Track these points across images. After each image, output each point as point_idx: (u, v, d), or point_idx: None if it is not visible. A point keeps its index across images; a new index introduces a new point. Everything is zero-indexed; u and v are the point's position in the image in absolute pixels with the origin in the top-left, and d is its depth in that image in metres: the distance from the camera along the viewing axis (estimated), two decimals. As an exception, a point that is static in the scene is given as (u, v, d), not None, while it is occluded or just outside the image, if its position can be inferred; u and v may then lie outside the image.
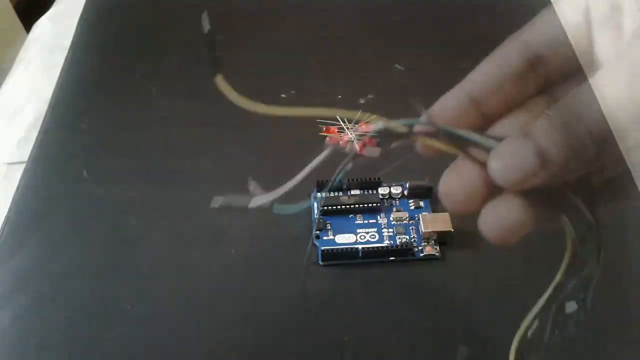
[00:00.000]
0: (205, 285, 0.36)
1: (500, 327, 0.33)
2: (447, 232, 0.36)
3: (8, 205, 0.40)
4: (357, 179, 0.39)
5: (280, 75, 0.48)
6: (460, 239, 0.37)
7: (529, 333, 0.23)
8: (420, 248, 0.36)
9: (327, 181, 0.39)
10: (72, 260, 0.37)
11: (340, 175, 0.23)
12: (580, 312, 0.22)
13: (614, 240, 0.37)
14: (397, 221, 0.38)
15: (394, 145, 0.21)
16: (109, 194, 0.40)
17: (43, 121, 0.46)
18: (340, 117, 0.45)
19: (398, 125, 0.21)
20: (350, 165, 0.24)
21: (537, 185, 0.19)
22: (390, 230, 0.37)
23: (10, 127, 0.49)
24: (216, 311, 0.34)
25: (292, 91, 0.46)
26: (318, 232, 0.37)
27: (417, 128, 0.21)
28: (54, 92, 0.48)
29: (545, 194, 0.19)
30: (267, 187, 0.42)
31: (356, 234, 0.37)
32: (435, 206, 0.39)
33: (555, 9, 0.21)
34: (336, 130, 0.46)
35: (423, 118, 0.21)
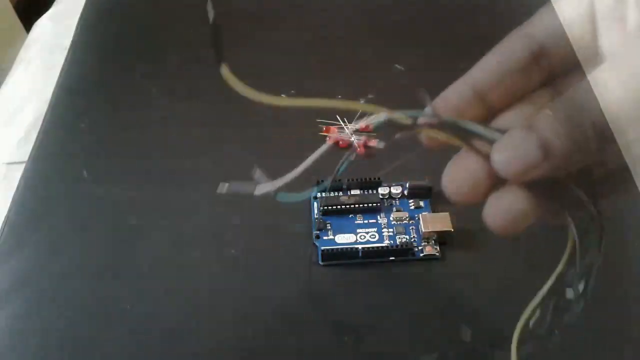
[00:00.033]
0: (205, 285, 0.36)
1: (500, 327, 0.33)
2: (447, 232, 0.36)
3: (8, 205, 0.40)
4: (357, 179, 0.39)
5: (280, 75, 0.48)
6: (460, 239, 0.37)
7: (531, 323, 0.23)
8: (420, 248, 0.36)
9: (330, 180, 0.39)
10: (72, 260, 0.37)
11: (344, 166, 0.23)
12: (581, 301, 0.22)
13: (614, 240, 0.37)
14: (397, 221, 0.38)
15: (397, 136, 0.21)
16: (109, 194, 0.40)
17: (43, 121, 0.46)
18: (340, 118, 0.45)
19: (402, 116, 0.21)
20: (354, 156, 0.24)
21: (539, 177, 0.19)
22: (390, 230, 0.37)
23: (10, 127, 0.49)
24: (216, 311, 0.34)
25: (292, 91, 0.46)
26: (318, 232, 0.37)
27: (421, 120, 0.21)
28: (54, 92, 0.48)
29: (547, 186, 0.19)
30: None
31: (356, 233, 0.37)
32: (435, 206, 0.39)
33: (558, 4, 0.21)
34: (336, 129, 0.46)
35: (427, 110, 0.21)
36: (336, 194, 0.39)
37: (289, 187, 0.24)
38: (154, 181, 0.41)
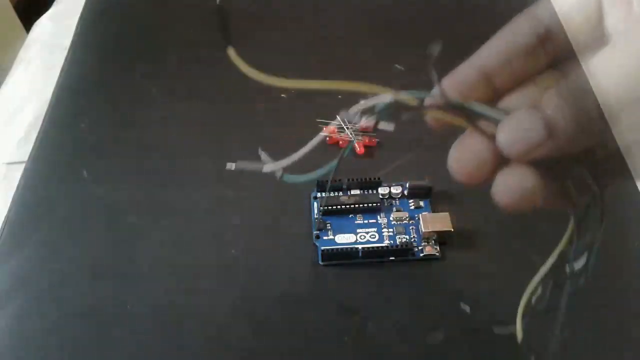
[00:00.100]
0: (205, 285, 0.36)
1: (501, 334, 0.33)
2: (447, 232, 0.36)
3: (8, 205, 0.40)
4: (357, 179, 0.39)
5: (280, 75, 0.48)
6: (460, 239, 0.37)
7: (533, 299, 0.23)
8: (420, 248, 0.36)
9: (327, 181, 0.39)
10: (72, 260, 0.37)
11: (347, 152, 0.23)
12: (582, 277, 0.22)
13: (614, 239, 0.38)
14: (397, 221, 0.38)
15: (404, 117, 0.21)
16: (109, 194, 0.40)
17: (43, 121, 0.46)
18: (340, 118, 0.45)
19: (408, 97, 0.21)
20: (346, 152, 0.24)
21: (544, 156, 0.19)
22: (390, 230, 0.37)
23: (10, 127, 0.49)
24: (216, 311, 0.34)
25: (292, 91, 0.46)
26: (318, 232, 0.37)
27: (427, 101, 0.21)
28: (54, 92, 0.48)
29: (552, 165, 0.20)
30: (266, 186, 0.42)
31: (356, 234, 0.37)
32: (435, 206, 0.39)
33: None
34: (336, 129, 0.46)
35: (434, 91, 0.21)
36: (336, 194, 0.39)
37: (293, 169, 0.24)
38: (154, 181, 0.41)
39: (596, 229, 0.21)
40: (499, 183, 0.20)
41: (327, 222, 0.38)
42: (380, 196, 0.39)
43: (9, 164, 0.45)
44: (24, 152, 0.44)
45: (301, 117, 0.44)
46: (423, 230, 0.37)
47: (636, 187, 0.40)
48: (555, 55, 0.22)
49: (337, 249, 0.36)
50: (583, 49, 0.20)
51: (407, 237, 0.37)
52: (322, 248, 0.36)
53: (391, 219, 0.38)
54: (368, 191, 0.39)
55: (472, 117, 0.21)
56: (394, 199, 0.39)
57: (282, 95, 0.46)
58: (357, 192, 0.39)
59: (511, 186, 0.20)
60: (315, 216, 0.38)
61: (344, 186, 0.39)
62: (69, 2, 0.60)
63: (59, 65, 0.51)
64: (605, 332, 0.33)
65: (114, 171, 0.42)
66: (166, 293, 0.35)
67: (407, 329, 0.34)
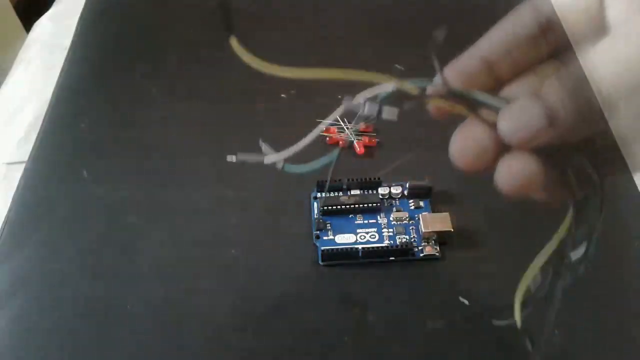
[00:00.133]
0: (205, 285, 0.36)
1: (500, 327, 0.33)
2: (447, 232, 0.36)
3: (8, 205, 0.40)
4: (357, 179, 0.39)
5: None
6: (460, 239, 0.37)
7: (532, 286, 0.23)
8: (420, 248, 0.36)
9: (326, 181, 0.39)
10: (72, 260, 0.37)
11: (329, 161, 0.23)
12: (581, 266, 0.22)
13: (613, 238, 0.38)
14: (397, 221, 0.38)
15: (406, 106, 0.21)
16: (109, 194, 0.40)
17: (43, 121, 0.46)
18: (339, 118, 0.45)
19: (410, 86, 0.21)
20: (338, 151, 0.24)
21: (544, 144, 0.19)
22: (390, 230, 0.37)
23: (10, 127, 0.49)
24: (216, 311, 0.34)
25: (292, 91, 0.46)
26: (318, 232, 0.37)
27: (429, 89, 0.21)
28: (54, 92, 0.48)
29: (552, 153, 0.20)
30: (266, 186, 0.42)
31: (356, 234, 0.37)
32: (435, 206, 0.39)
33: None
34: (336, 130, 0.46)
35: (436, 79, 0.21)
36: (336, 194, 0.39)
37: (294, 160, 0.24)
38: (154, 181, 0.41)
39: (595, 218, 0.21)
40: (501, 170, 0.21)
41: (327, 222, 0.38)
42: (380, 196, 0.39)
43: (9, 164, 0.45)
44: (24, 152, 0.44)
45: (301, 117, 0.44)
46: (423, 230, 0.37)
47: (636, 186, 0.40)
48: (557, 45, 0.22)
49: (337, 249, 0.36)
50: (583, 39, 0.20)
51: (407, 237, 0.37)
52: (322, 248, 0.36)
53: (391, 219, 0.38)
54: (368, 191, 0.39)
55: (473, 106, 0.21)
56: (394, 199, 0.39)
57: (282, 95, 0.46)
58: (357, 192, 0.39)
59: (513, 172, 0.20)
60: (315, 216, 0.38)
61: (344, 186, 0.39)
62: (69, 2, 0.60)
63: (59, 65, 0.51)
64: (605, 332, 0.33)
65: (114, 171, 0.42)
66: (166, 293, 0.35)
67: (407, 329, 0.34)
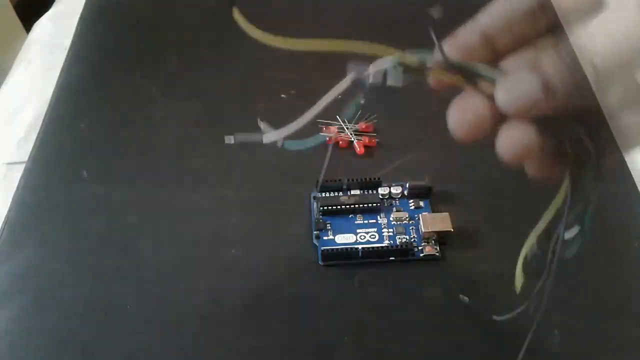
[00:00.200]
0: (205, 285, 0.36)
1: (500, 327, 0.33)
2: (447, 232, 0.36)
3: (8, 205, 0.40)
4: (357, 179, 0.39)
5: (280, 75, 0.48)
6: (460, 239, 0.37)
7: (529, 255, 0.24)
8: (420, 248, 0.36)
9: (327, 181, 0.39)
10: (72, 260, 0.37)
11: (355, 108, 0.23)
12: (579, 239, 0.22)
13: (614, 238, 0.38)
14: (397, 221, 0.38)
15: (405, 81, 0.22)
16: (109, 194, 0.40)
17: (43, 121, 0.46)
18: (339, 118, 0.45)
19: (412, 58, 0.22)
20: (331, 148, 0.24)
21: (541, 114, 0.20)
22: (390, 230, 0.37)
23: (10, 127, 0.49)
24: (216, 311, 0.34)
25: (292, 91, 0.46)
26: (318, 232, 0.37)
27: (429, 62, 0.22)
28: (54, 92, 0.48)
29: (550, 123, 0.20)
30: (266, 186, 0.42)
31: (356, 234, 0.37)
32: (435, 206, 0.39)
33: None
34: (336, 129, 0.46)
35: (436, 52, 0.22)
36: (336, 194, 0.39)
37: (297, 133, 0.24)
38: (154, 181, 0.41)
39: (591, 189, 0.22)
40: (501, 138, 0.21)
41: (327, 222, 0.38)
42: (380, 196, 0.39)
43: (9, 164, 0.46)
44: (24, 152, 0.44)
45: (301, 129, 0.44)
46: (423, 230, 0.37)
47: (636, 186, 0.40)
48: (556, 20, 0.22)
49: (337, 249, 0.36)
50: (578, 14, 0.21)
51: (407, 237, 0.37)
52: (322, 248, 0.36)
53: (391, 219, 0.38)
54: (368, 191, 0.39)
55: (470, 77, 0.22)
56: (394, 199, 0.39)
57: (282, 95, 0.46)
58: (357, 192, 0.39)
59: (512, 141, 0.21)
60: (315, 216, 0.38)
61: (344, 186, 0.39)
62: (69, 2, 0.60)
63: (59, 65, 0.51)
64: (605, 332, 0.33)
65: (114, 171, 0.42)
66: (166, 293, 0.35)
67: (407, 328, 0.34)
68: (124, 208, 0.40)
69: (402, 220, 0.38)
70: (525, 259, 0.24)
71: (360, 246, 0.36)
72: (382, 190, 0.39)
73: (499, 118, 0.21)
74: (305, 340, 0.33)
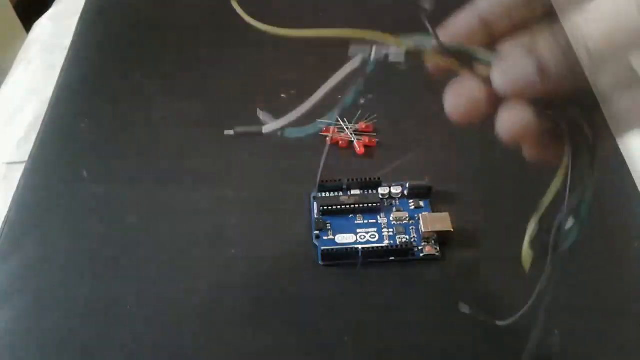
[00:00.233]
0: (205, 285, 0.36)
1: (500, 327, 0.33)
2: (447, 232, 0.36)
3: (8, 205, 0.40)
4: (357, 179, 0.39)
5: (280, 75, 0.48)
6: (460, 239, 0.37)
7: (528, 237, 0.24)
8: (420, 248, 0.36)
9: (327, 181, 0.39)
10: (72, 260, 0.37)
11: (355, 95, 0.24)
12: (577, 226, 0.22)
13: (614, 239, 0.38)
14: (397, 221, 0.38)
15: (403, 64, 0.22)
16: (109, 194, 0.40)
17: (43, 121, 0.46)
18: (339, 118, 0.45)
19: (408, 43, 0.22)
20: (328, 147, 0.24)
21: (538, 95, 0.20)
22: (390, 230, 0.37)
23: (10, 127, 0.49)
24: (216, 311, 0.34)
25: (292, 91, 0.46)
26: (318, 232, 0.37)
27: (427, 46, 0.22)
28: (54, 92, 0.48)
29: (547, 105, 0.21)
30: (266, 186, 0.42)
31: (356, 234, 0.37)
32: (435, 206, 0.39)
33: None
34: (336, 130, 0.46)
35: (433, 36, 0.22)
36: (336, 194, 0.39)
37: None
38: (154, 181, 0.41)
39: (588, 174, 0.22)
40: (500, 118, 0.21)
41: (327, 222, 0.38)
42: (380, 196, 0.39)
43: (9, 164, 0.45)
44: (24, 152, 0.44)
45: (301, 117, 0.44)
46: (423, 230, 0.37)
47: (636, 186, 0.40)
48: (550, 4, 0.22)
49: (337, 249, 0.36)
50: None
51: (407, 237, 0.37)
52: (322, 248, 0.36)
53: (391, 219, 0.38)
54: (368, 191, 0.39)
55: (467, 61, 0.22)
56: (394, 199, 0.39)
57: (282, 95, 0.46)
58: (357, 192, 0.39)
59: (511, 121, 0.21)
60: (315, 216, 0.38)
61: (344, 186, 0.39)
62: (69, 2, 0.60)
63: (59, 65, 0.51)
64: (605, 332, 0.33)
65: (114, 171, 0.42)
66: (166, 293, 0.35)
67: (407, 328, 0.34)
68: (124, 208, 0.40)
69: (402, 220, 0.38)
70: (531, 239, 0.24)
71: (360, 246, 0.36)
72: (382, 190, 0.39)
73: (495, 100, 0.21)
74: (305, 340, 0.33)
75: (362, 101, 0.46)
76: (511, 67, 0.21)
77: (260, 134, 0.25)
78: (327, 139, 0.43)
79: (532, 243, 0.24)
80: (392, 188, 0.39)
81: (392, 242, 0.37)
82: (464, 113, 0.22)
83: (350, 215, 0.38)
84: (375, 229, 0.37)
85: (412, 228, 0.38)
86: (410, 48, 0.22)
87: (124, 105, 0.47)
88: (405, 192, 0.39)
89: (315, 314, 0.34)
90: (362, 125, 0.44)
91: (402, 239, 0.37)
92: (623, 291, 0.35)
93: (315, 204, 0.39)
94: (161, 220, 0.39)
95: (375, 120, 0.44)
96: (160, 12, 0.56)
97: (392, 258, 0.36)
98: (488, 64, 0.21)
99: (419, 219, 0.37)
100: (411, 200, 0.39)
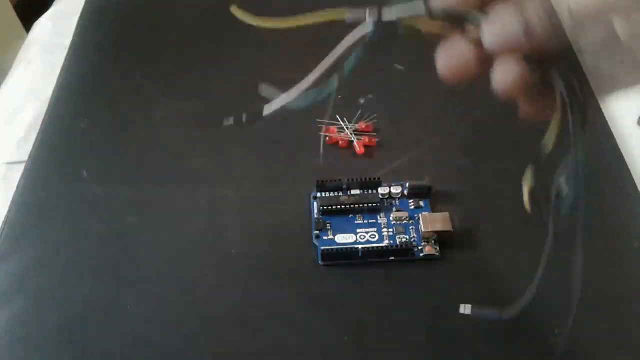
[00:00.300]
0: (205, 285, 0.36)
1: (500, 327, 0.33)
2: (447, 232, 0.36)
3: (8, 205, 0.40)
4: (357, 179, 0.39)
5: (280, 74, 0.48)
6: (460, 239, 0.37)
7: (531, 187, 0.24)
8: (420, 248, 0.36)
9: (327, 181, 0.39)
10: (72, 260, 0.37)
11: (355, 60, 0.24)
12: (572, 191, 0.23)
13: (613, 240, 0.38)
14: (397, 221, 0.38)
15: (400, 31, 0.23)
16: (109, 194, 0.40)
17: (43, 121, 0.46)
18: (339, 117, 0.45)
19: (399, 8, 0.23)
20: (326, 139, 0.24)
21: (528, 52, 0.21)
22: (390, 230, 0.37)
23: (10, 127, 0.49)
24: (216, 311, 0.34)
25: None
26: (318, 232, 0.37)
27: (420, 12, 0.23)
28: (54, 92, 0.48)
29: (539, 64, 0.22)
30: (265, 186, 0.42)
31: (356, 234, 0.37)
32: (435, 206, 0.39)
33: None
34: (336, 129, 0.46)
35: (418, 3, 0.23)
36: (336, 194, 0.39)
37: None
38: (154, 181, 0.41)
39: (580, 132, 0.22)
40: (495, 73, 0.22)
41: (327, 222, 0.38)
42: (380, 196, 0.39)
43: (9, 164, 0.45)
44: (24, 152, 0.44)
45: (301, 117, 0.44)
46: (423, 230, 0.37)
47: (635, 186, 0.40)
48: None
49: (337, 249, 0.36)
50: None
51: (407, 237, 0.37)
52: (322, 248, 0.36)
53: (391, 219, 0.38)
54: (368, 191, 0.39)
55: (459, 22, 0.23)
56: (394, 199, 0.39)
57: (282, 95, 0.46)
58: (357, 192, 0.39)
59: (505, 74, 0.22)
60: (315, 216, 0.38)
61: (344, 186, 0.39)
62: (69, 2, 0.60)
63: (59, 65, 0.51)
64: (605, 332, 0.33)
65: (114, 171, 0.42)
66: (166, 293, 0.35)
67: (407, 328, 0.34)
68: (124, 208, 0.40)
69: (402, 220, 0.38)
70: (529, 190, 0.24)
71: (360, 246, 0.36)
72: (382, 190, 0.39)
73: (485, 59, 0.22)
74: (305, 340, 0.33)
75: (362, 101, 0.46)
76: (500, 26, 0.22)
77: (261, 116, 0.25)
78: (327, 138, 0.43)
79: (531, 194, 0.24)
80: (392, 188, 0.39)
81: (392, 242, 0.37)
82: (455, 72, 0.23)
83: (350, 215, 0.38)
84: (375, 229, 0.37)
85: (412, 228, 0.38)
86: (403, 15, 0.23)
87: (124, 105, 0.47)
88: (405, 192, 0.39)
89: (315, 314, 0.34)
90: (362, 125, 0.44)
91: (402, 239, 0.37)
92: (623, 291, 0.35)
93: (315, 204, 0.39)
94: (161, 220, 0.39)
95: (375, 120, 0.44)
96: (160, 12, 0.56)
97: (392, 258, 0.36)
98: (479, 26, 0.22)
99: (419, 219, 0.37)
100: (411, 200, 0.39)
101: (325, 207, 0.38)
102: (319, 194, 0.39)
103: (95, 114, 0.46)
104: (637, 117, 0.44)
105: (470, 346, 0.33)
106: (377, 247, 0.36)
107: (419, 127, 0.44)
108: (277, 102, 0.25)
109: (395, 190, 0.39)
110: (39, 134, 0.45)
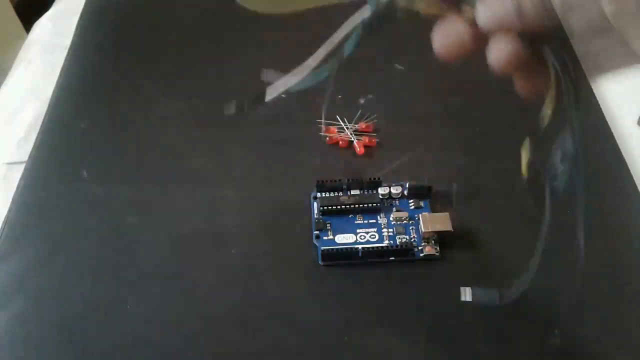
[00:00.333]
0: (205, 285, 0.36)
1: (500, 327, 0.33)
2: (447, 232, 0.36)
3: (8, 205, 0.40)
4: (357, 179, 0.39)
5: (280, 72, 0.48)
6: (460, 239, 0.37)
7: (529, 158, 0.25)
8: (420, 248, 0.36)
9: (327, 181, 0.39)
10: (72, 260, 0.37)
11: (356, 39, 0.25)
12: (566, 168, 0.23)
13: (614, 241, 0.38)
14: (397, 221, 0.38)
15: (399, 15, 0.24)
16: (109, 194, 0.40)
17: (43, 121, 0.46)
18: (339, 118, 0.45)
19: None
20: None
21: (520, 30, 0.22)
22: (390, 230, 0.37)
23: (10, 127, 0.49)
24: (216, 311, 0.34)
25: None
26: (318, 232, 0.37)
27: None
28: (54, 92, 0.48)
29: (534, 42, 0.22)
30: (265, 186, 0.42)
31: (356, 234, 0.37)
32: (435, 206, 0.39)
33: None
34: (336, 129, 0.46)
35: None
36: (336, 194, 0.39)
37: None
38: (154, 181, 0.41)
39: (574, 107, 0.23)
40: (491, 49, 0.23)
41: (327, 222, 0.38)
42: (380, 196, 0.39)
43: (9, 164, 0.45)
44: (24, 152, 0.44)
45: (301, 117, 0.44)
46: (423, 230, 0.37)
47: (635, 186, 0.40)
48: None
49: (337, 249, 0.36)
50: None
51: (407, 237, 0.37)
52: (322, 248, 0.36)
53: (391, 219, 0.38)
54: (368, 191, 0.39)
55: (454, 2, 0.23)
56: (394, 199, 0.39)
57: (282, 95, 0.46)
58: (357, 192, 0.39)
59: (501, 49, 0.23)
60: (315, 216, 0.38)
61: (344, 186, 0.39)
62: (69, 2, 0.60)
63: (59, 65, 0.51)
64: (605, 332, 0.33)
65: (114, 171, 0.42)
66: (166, 293, 0.35)
67: (407, 328, 0.34)
68: (124, 208, 0.40)
69: (402, 220, 0.38)
70: (527, 162, 0.25)
71: (360, 246, 0.36)
72: (382, 190, 0.39)
73: (480, 38, 0.23)
74: (305, 340, 0.33)
75: (362, 101, 0.46)
76: (493, 7, 0.22)
77: (262, 102, 0.25)
78: (327, 138, 0.43)
79: (529, 166, 0.24)
80: (392, 188, 0.39)
81: (392, 242, 0.37)
82: (451, 50, 0.24)
83: (350, 215, 0.38)
84: (375, 229, 0.37)
85: (412, 228, 0.38)
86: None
87: (123, 105, 0.47)
88: (405, 192, 0.39)
89: (315, 314, 0.34)
90: (362, 125, 0.44)
91: (402, 239, 0.37)
92: (623, 291, 0.35)
93: (315, 204, 0.39)
94: (161, 220, 0.39)
95: (375, 120, 0.44)
96: (160, 12, 0.56)
97: (392, 258, 0.36)
98: (474, 5, 0.23)
99: (419, 219, 0.37)
100: (411, 200, 0.39)
101: (325, 207, 0.38)
102: (319, 194, 0.39)
103: (95, 114, 0.46)
104: (637, 117, 0.44)
105: (470, 346, 0.33)
106: (377, 247, 0.36)
107: (419, 127, 0.44)
108: (279, 85, 0.25)
109: (395, 190, 0.39)
110: (39, 134, 0.45)
